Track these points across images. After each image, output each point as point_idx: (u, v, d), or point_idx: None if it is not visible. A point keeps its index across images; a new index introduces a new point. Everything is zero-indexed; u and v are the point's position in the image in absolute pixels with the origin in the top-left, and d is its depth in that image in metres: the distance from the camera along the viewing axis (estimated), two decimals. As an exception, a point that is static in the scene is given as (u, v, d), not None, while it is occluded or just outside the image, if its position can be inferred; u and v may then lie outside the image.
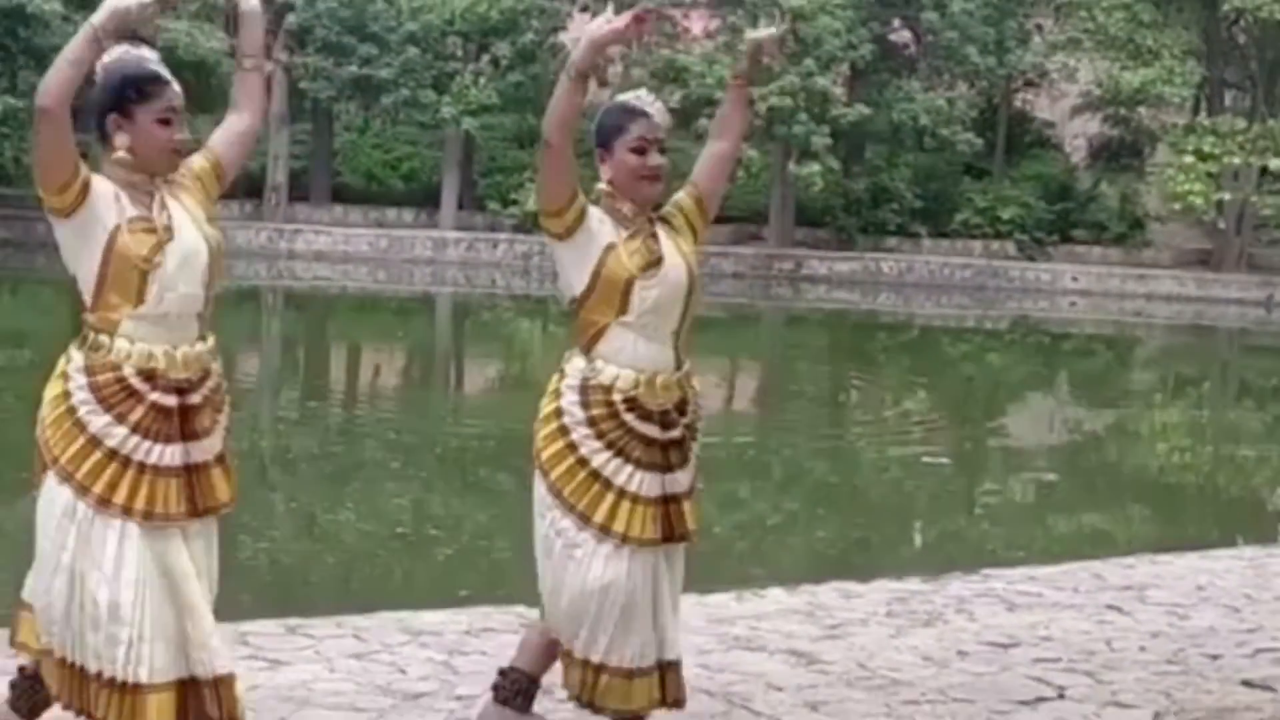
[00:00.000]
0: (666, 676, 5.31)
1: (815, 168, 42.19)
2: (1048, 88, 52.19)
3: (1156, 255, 49.11)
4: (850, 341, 34.59)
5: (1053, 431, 21.85)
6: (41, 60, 42.67)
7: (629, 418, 5.17)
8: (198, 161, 5.02)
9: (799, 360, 27.62)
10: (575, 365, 5.26)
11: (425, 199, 48.57)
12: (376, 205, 49.19)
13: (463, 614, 7.49)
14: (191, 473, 4.76)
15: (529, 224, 42.86)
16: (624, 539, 5.14)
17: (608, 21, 5.02)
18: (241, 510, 5.16)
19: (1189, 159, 44.58)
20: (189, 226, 4.81)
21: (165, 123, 4.86)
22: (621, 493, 5.16)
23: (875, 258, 47.63)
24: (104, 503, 4.66)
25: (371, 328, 30.48)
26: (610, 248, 5.17)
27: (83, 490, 4.66)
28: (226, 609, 5.02)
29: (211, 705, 4.72)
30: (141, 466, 4.68)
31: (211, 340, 4.85)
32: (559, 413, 5.24)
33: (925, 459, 17.33)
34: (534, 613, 7.28)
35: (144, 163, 4.86)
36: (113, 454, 4.67)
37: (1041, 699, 6.28)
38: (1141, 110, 48.78)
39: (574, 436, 5.19)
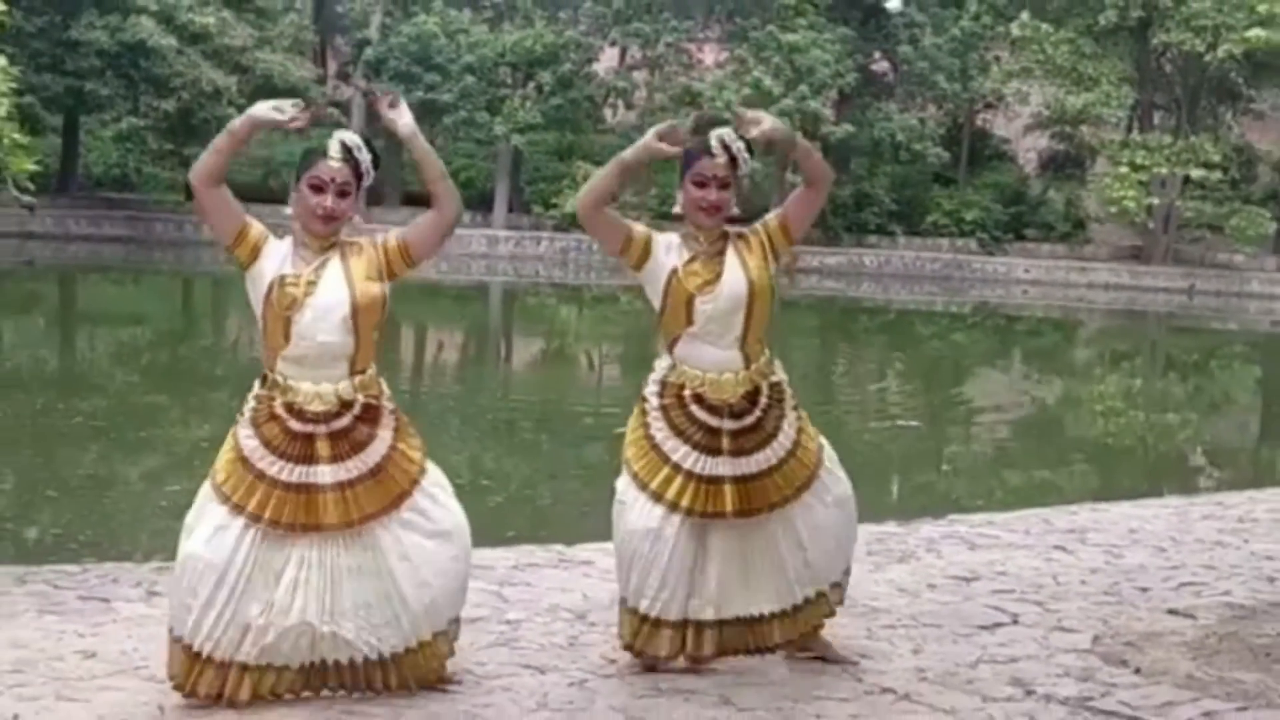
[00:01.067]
0: (704, 633, 5.37)
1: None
2: (1004, 109, 52.16)
3: (1095, 250, 49.06)
4: (838, 323, 34.52)
5: (1008, 399, 21.80)
6: (159, 87, 42.70)
7: (694, 409, 5.31)
8: (391, 240, 5.06)
9: (794, 338, 27.47)
10: (661, 364, 5.44)
11: (480, 203, 48.47)
12: (440, 208, 48.92)
13: (511, 552, 7.45)
14: (305, 491, 4.78)
15: (567, 224, 42.95)
16: (673, 507, 5.22)
17: (661, 137, 5.12)
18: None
19: (1123, 169, 44.56)
20: (337, 285, 4.84)
21: (316, 189, 4.86)
22: (677, 468, 5.26)
23: (858, 252, 47.79)
24: (232, 504, 4.74)
25: (435, 311, 30.31)
26: (674, 272, 5.29)
27: (221, 493, 4.77)
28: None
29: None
30: (262, 475, 4.77)
31: (362, 376, 4.89)
32: (644, 399, 5.41)
33: (900, 422, 17.28)
34: (571, 550, 7.38)
35: (302, 223, 4.93)
36: (245, 461, 4.78)
37: (998, 624, 6.24)
38: (1083, 128, 48.85)
39: (649, 419, 5.36)
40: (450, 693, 5.02)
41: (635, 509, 5.28)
